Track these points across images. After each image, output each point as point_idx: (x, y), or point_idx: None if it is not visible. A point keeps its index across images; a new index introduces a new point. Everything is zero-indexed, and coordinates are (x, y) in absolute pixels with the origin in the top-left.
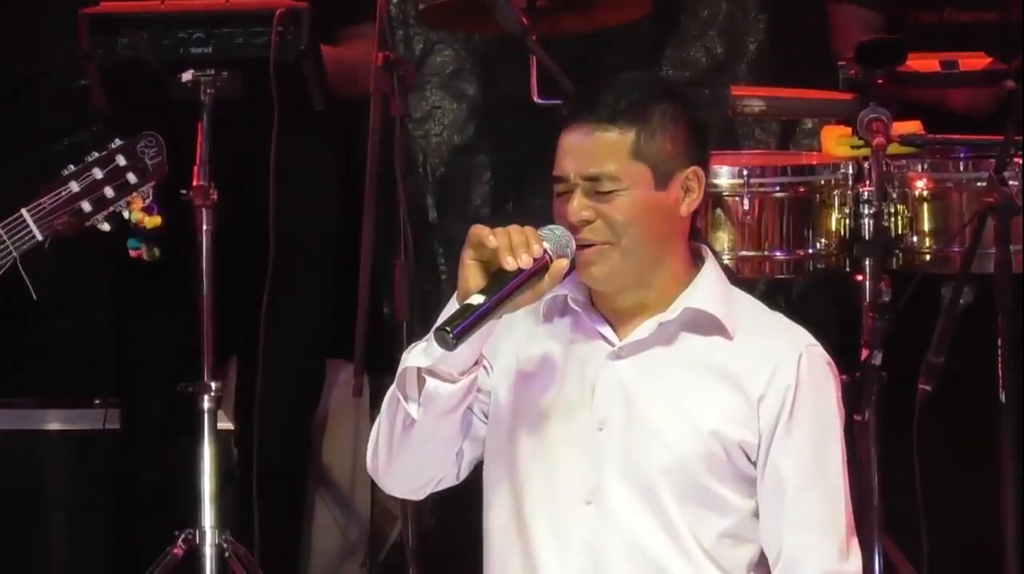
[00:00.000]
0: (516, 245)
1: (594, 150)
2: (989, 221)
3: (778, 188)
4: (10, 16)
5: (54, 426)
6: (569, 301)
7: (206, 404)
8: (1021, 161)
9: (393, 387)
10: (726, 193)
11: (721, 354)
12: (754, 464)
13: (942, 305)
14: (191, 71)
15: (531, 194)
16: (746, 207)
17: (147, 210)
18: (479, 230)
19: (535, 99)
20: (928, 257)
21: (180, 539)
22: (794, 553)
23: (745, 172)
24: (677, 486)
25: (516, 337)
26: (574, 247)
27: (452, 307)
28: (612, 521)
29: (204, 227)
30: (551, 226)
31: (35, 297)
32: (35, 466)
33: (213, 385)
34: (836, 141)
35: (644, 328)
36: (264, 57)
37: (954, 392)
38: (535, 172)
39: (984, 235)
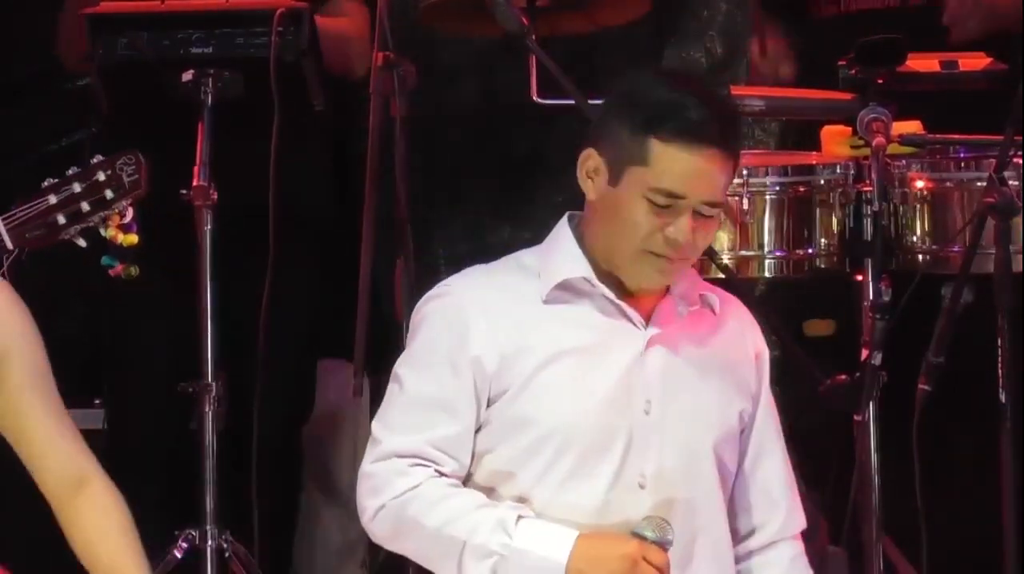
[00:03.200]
0: None
1: (719, 179)
2: (989, 221)
3: (778, 188)
4: (10, 16)
5: None
6: (589, 284)
7: (206, 404)
8: (1021, 161)
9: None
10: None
11: (719, 331)
12: (741, 432)
13: (942, 305)
14: (191, 71)
15: (531, 194)
16: (746, 207)
17: (125, 228)
18: None
19: (535, 99)
20: (928, 257)
21: (180, 539)
22: (792, 508)
23: (745, 172)
24: (717, 462)
25: (518, 333)
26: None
27: None
28: (669, 503)
29: (204, 227)
30: (648, 520)
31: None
32: None
33: (213, 385)
34: (836, 141)
35: (668, 312)
36: (264, 57)
37: (954, 392)
38: (536, 172)
39: (984, 235)
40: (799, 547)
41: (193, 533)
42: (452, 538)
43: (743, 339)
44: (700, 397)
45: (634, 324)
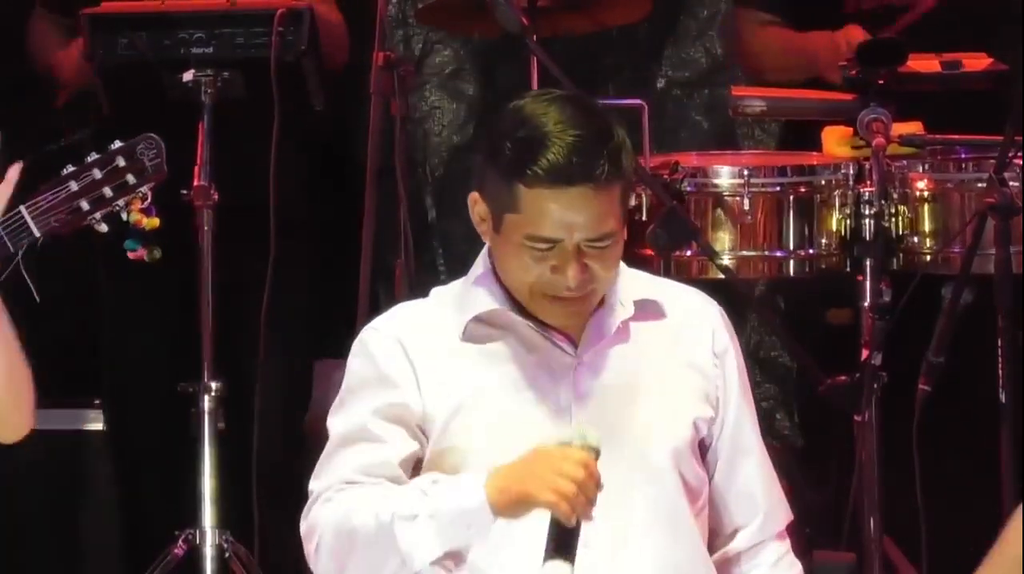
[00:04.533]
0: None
1: (597, 213)
2: (989, 221)
3: (778, 188)
4: (10, 16)
5: (54, 426)
6: (510, 315)
7: (206, 404)
8: (1021, 161)
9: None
10: (726, 193)
11: (667, 335)
12: (707, 436)
13: (942, 305)
14: (191, 71)
15: None
16: (746, 207)
17: (145, 211)
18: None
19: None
20: (928, 257)
21: (180, 539)
22: (775, 506)
23: (745, 172)
24: (674, 477)
25: (441, 373)
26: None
27: None
28: (631, 530)
29: (204, 227)
30: (580, 428)
31: (37, 299)
32: (35, 466)
33: (213, 385)
34: (837, 141)
35: (600, 329)
36: (264, 57)
37: (954, 392)
38: None
39: (984, 235)
40: (785, 545)
41: (193, 533)
42: (382, 525)
43: (698, 340)
44: (640, 416)
45: (562, 349)
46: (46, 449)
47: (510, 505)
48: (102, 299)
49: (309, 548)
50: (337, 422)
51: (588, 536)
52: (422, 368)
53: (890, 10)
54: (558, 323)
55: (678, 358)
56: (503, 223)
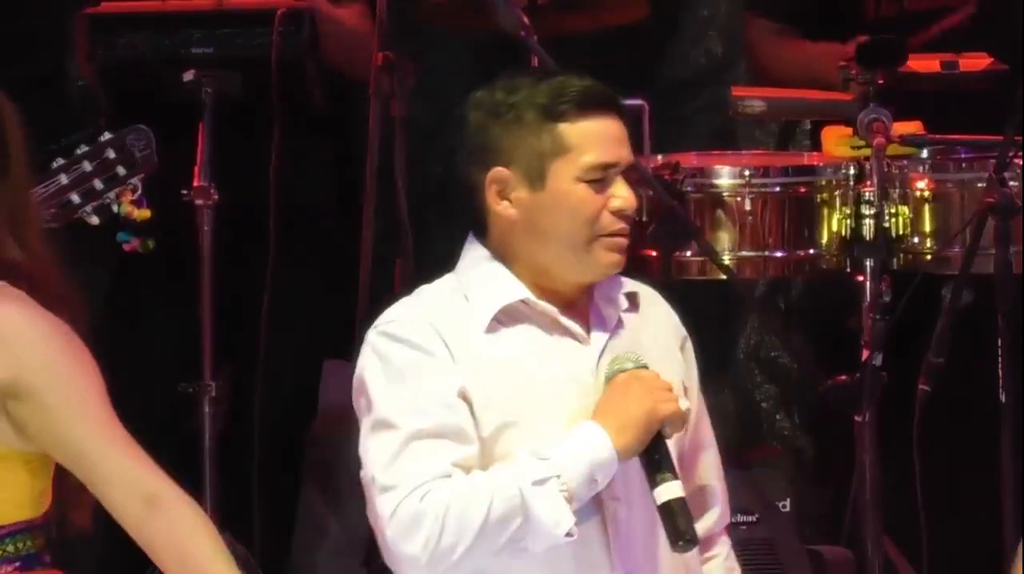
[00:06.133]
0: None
1: (625, 137)
2: (989, 221)
3: (778, 188)
4: (10, 16)
5: None
6: (527, 306)
7: (206, 404)
8: (1021, 161)
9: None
10: (726, 193)
11: (649, 327)
12: None
13: (942, 305)
14: (191, 71)
15: None
16: (746, 207)
17: (136, 203)
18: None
19: None
20: (929, 257)
21: None
22: (727, 501)
23: (745, 172)
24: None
25: (473, 356)
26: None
27: None
28: (642, 520)
29: (205, 227)
30: (615, 360)
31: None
32: None
33: (213, 385)
34: (836, 141)
35: (604, 319)
36: (264, 57)
37: (954, 392)
38: None
39: (984, 235)
40: (729, 540)
41: None
42: (507, 500)
43: (669, 330)
44: None
45: (578, 340)
46: None
47: (633, 441)
48: (104, 298)
49: (418, 540)
50: (399, 413)
51: (616, 489)
52: (456, 351)
53: (909, 17)
54: (610, 268)
55: (661, 348)
56: (547, 175)
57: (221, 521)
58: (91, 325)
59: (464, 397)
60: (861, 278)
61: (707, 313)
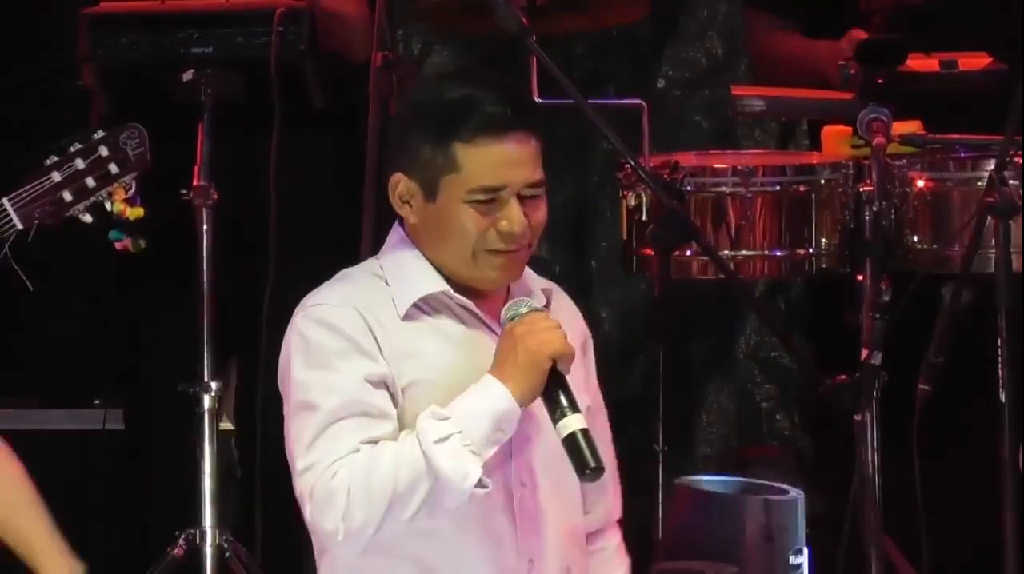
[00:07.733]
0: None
1: (532, 157)
2: (989, 221)
3: (778, 188)
4: (9, 17)
5: (54, 426)
6: (449, 298)
7: (206, 404)
8: (1021, 161)
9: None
10: (726, 193)
11: (562, 323)
12: None
13: (942, 305)
14: (191, 71)
15: None
16: (746, 207)
17: (129, 201)
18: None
19: (535, 99)
20: (928, 257)
21: (180, 539)
22: (617, 496)
23: (745, 172)
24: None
25: (395, 344)
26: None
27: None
28: (544, 506)
29: (204, 227)
30: (515, 302)
31: (32, 289)
32: (35, 466)
33: (213, 385)
34: (836, 141)
35: None
36: (264, 57)
37: (954, 392)
38: None
39: (984, 235)
40: (620, 533)
41: (193, 533)
42: (412, 463)
43: (575, 329)
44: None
45: (494, 331)
46: (46, 449)
47: (528, 385)
48: (106, 298)
49: (333, 516)
50: (322, 395)
51: (523, 475)
52: (381, 338)
53: (904, 8)
54: (496, 282)
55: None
56: (439, 189)
57: (222, 521)
58: (90, 325)
59: (384, 381)
60: (861, 278)
61: (707, 313)
